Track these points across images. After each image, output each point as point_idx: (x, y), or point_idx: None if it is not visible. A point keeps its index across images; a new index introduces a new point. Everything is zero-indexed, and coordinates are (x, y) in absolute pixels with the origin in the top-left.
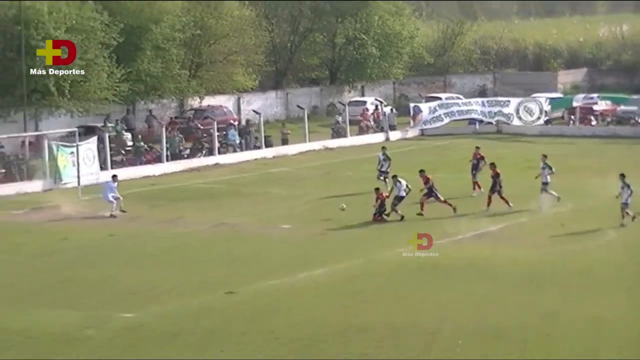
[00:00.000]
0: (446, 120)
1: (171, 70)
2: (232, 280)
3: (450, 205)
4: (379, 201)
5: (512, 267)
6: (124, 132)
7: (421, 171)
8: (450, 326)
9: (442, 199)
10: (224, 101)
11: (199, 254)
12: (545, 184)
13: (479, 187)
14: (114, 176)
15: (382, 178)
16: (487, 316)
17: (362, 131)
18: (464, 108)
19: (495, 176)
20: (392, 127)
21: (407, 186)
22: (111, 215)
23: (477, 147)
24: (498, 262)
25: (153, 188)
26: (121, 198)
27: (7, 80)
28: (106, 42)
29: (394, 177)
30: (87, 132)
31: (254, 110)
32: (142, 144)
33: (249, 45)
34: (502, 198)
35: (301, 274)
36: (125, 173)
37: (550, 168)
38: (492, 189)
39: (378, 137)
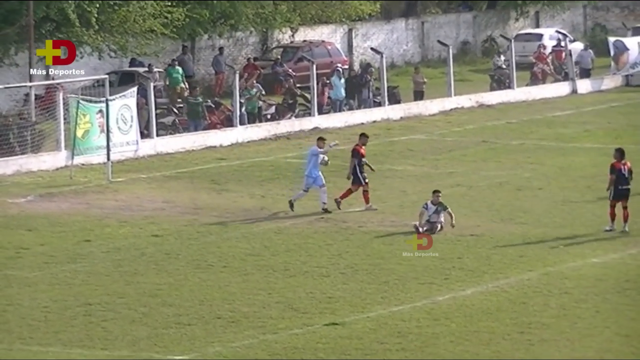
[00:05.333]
0: None
1: None
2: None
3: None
4: None
5: None
6: (180, 81)
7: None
8: None
9: None
10: (329, 35)
11: (285, 263)
12: None
13: None
14: (320, 139)
15: None
16: None
17: (536, 79)
18: None
19: None
20: (585, 73)
21: None
22: (324, 210)
23: None
24: None
25: (221, 165)
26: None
27: (4, 6)
28: None
29: None
30: (123, 80)
31: (372, 49)
32: (205, 99)
33: None
34: None
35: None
36: (180, 142)
37: None
38: None
39: (560, 89)
